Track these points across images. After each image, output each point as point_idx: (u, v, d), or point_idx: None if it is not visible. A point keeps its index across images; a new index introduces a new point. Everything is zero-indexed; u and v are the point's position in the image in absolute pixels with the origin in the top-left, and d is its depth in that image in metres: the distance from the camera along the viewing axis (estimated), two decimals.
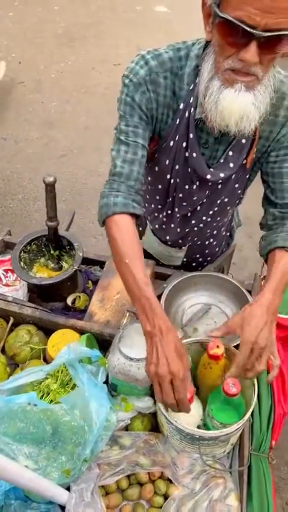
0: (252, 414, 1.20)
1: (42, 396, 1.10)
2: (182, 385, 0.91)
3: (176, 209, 1.33)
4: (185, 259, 1.59)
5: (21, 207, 3.30)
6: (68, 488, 0.98)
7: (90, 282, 1.48)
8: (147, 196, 1.41)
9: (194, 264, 1.62)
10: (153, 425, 1.14)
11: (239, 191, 1.30)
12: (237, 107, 0.96)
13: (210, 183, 1.22)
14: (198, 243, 1.51)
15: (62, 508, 0.96)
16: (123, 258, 1.03)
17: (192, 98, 1.08)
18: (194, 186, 1.24)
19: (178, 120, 1.12)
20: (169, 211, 1.37)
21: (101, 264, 1.51)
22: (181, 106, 1.10)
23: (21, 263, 1.36)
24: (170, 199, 1.31)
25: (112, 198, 1.09)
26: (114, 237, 1.06)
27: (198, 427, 1.05)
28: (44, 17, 5.72)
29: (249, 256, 2.88)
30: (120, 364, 1.04)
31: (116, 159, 1.11)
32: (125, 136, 1.10)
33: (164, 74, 1.07)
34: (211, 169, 1.18)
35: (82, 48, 5.14)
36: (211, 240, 1.53)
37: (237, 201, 1.37)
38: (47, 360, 1.25)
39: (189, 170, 1.20)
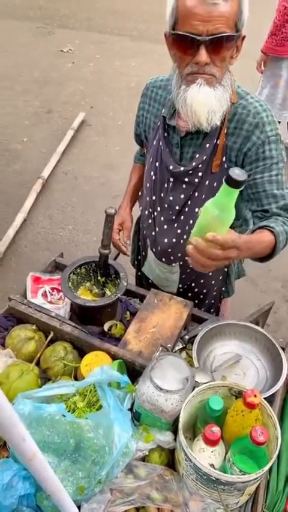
0: (269, 472, 1.18)
1: (68, 412, 1.14)
2: None
3: (159, 209, 1.52)
4: (180, 286, 1.64)
5: (71, 237, 3.46)
6: (79, 508, 1.00)
7: (128, 312, 1.53)
8: (144, 201, 1.60)
9: (189, 294, 1.65)
10: (170, 462, 1.14)
11: None
12: (201, 97, 1.18)
13: (184, 184, 1.40)
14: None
15: None
16: (130, 180, 1.79)
17: (169, 104, 1.36)
18: (170, 184, 1.44)
19: (159, 123, 1.43)
20: (155, 213, 1.55)
21: (141, 297, 1.57)
22: (162, 111, 1.40)
23: (69, 283, 1.44)
24: (154, 197, 1.52)
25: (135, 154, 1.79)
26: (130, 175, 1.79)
27: None
28: (120, 70, 6.20)
29: (284, 319, 2.86)
30: (149, 393, 1.07)
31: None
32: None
33: (152, 89, 1.49)
34: (176, 164, 1.40)
35: None
36: None
37: None
38: (77, 379, 1.30)
39: (162, 165, 1.44)
